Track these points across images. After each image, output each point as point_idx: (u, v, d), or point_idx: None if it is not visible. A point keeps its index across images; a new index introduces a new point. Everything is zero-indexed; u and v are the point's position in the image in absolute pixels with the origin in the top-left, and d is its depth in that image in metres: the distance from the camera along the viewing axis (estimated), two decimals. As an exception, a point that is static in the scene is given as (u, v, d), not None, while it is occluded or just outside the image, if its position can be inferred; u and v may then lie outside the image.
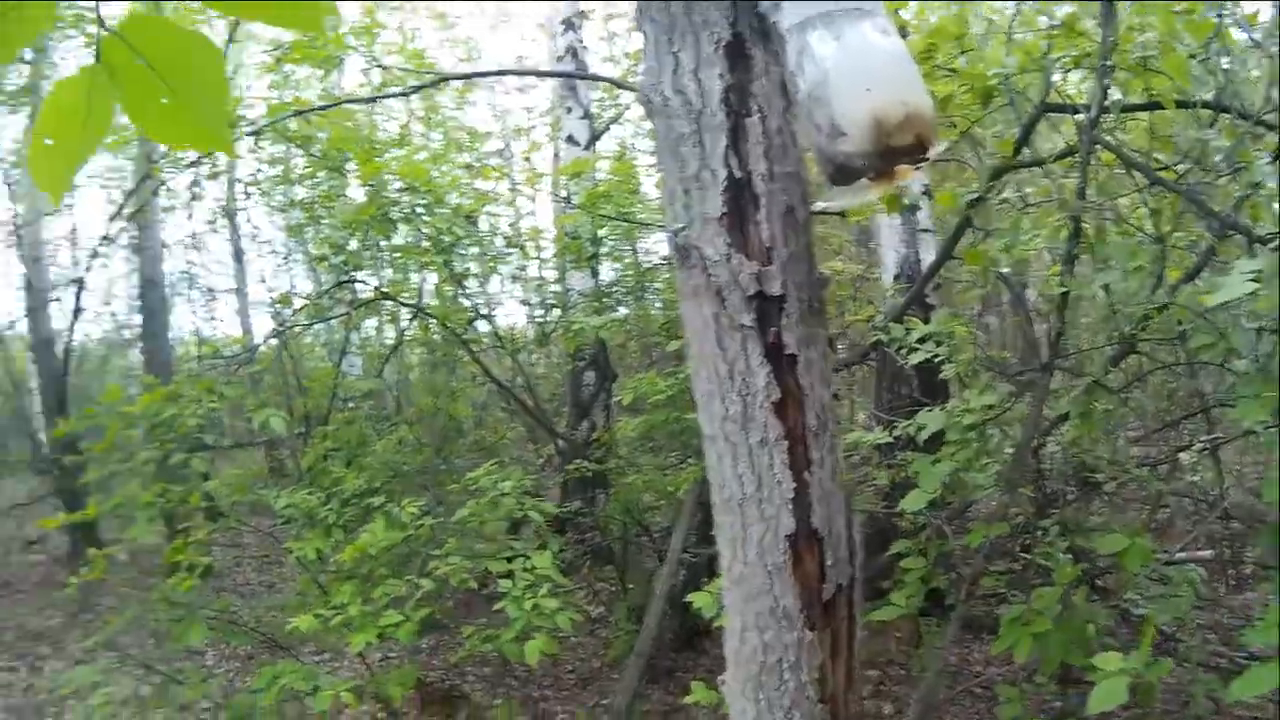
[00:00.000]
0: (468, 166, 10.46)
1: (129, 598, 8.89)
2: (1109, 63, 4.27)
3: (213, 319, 14.73)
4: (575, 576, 8.85)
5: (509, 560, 5.62)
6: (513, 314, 11.54)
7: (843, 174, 1.44)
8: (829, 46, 1.43)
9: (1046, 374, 4.52)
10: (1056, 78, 5.04)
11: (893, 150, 1.36)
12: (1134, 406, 6.96)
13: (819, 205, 2.11)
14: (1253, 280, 2.92)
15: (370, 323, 12.70)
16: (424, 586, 5.35)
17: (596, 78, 8.26)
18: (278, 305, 10.65)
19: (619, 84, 6.09)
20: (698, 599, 4.63)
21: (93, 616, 9.62)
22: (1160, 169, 4.54)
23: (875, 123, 1.36)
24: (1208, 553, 6.54)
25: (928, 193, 7.71)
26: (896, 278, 7.56)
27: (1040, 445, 5.37)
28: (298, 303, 10.53)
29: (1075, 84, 6.01)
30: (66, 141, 1.11)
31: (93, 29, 1.10)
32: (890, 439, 5.26)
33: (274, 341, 9.79)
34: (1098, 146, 4.49)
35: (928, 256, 7.44)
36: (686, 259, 1.91)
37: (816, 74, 1.45)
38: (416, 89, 8.13)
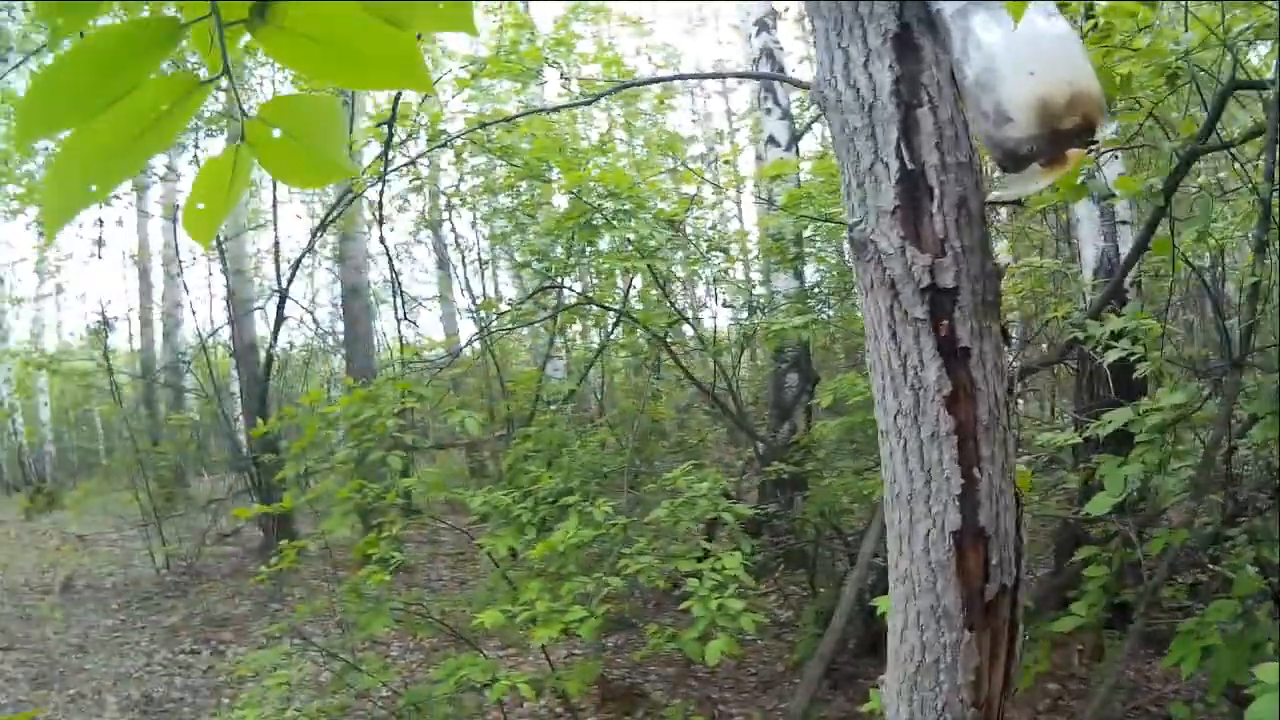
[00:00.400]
0: (671, 171, 10.58)
1: (319, 589, 9.34)
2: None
3: (415, 325, 15.19)
4: (768, 579, 8.84)
5: (699, 560, 5.66)
6: (718, 316, 11.57)
7: (1012, 160, 1.42)
8: (993, 32, 1.41)
9: (1237, 371, 4.28)
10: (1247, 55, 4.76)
11: (1061, 133, 1.33)
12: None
13: (993, 196, 2.06)
14: None
15: (575, 327, 12.98)
16: (612, 584, 5.44)
17: (774, 77, 8.21)
18: (481, 310, 10.95)
19: (796, 83, 6.04)
20: (882, 602, 4.55)
21: (280, 606, 10.14)
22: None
23: (1041, 105, 1.34)
24: None
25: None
26: (1096, 272, 7.25)
27: (1233, 449, 5.09)
28: (502, 308, 10.89)
29: (1264, 58, 5.66)
30: (214, 203, 1.26)
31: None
32: (1080, 439, 5.09)
33: (476, 345, 10.04)
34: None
35: (1128, 250, 7.14)
36: (863, 253, 1.91)
37: (981, 60, 1.44)
38: (598, 97, 8.26)
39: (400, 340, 12.50)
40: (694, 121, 22.46)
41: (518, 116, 8.22)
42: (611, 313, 8.90)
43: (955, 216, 1.84)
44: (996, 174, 1.61)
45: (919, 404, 1.86)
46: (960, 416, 1.85)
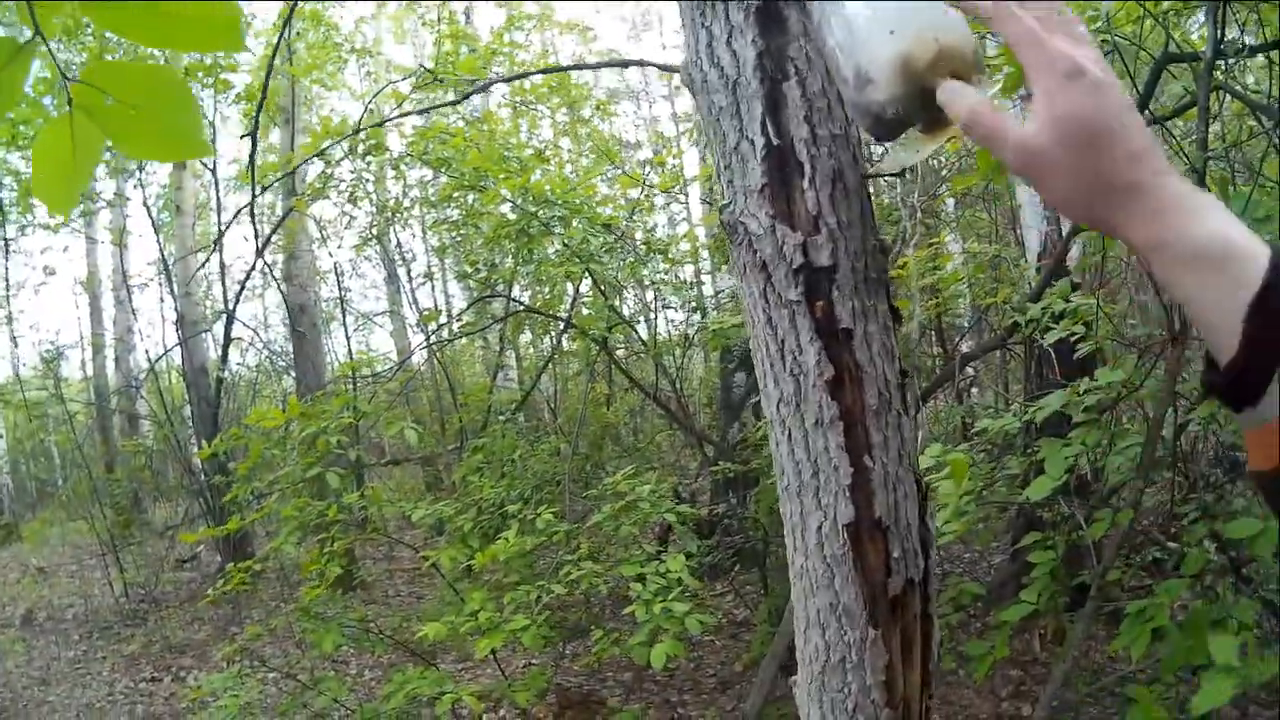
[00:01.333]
0: (611, 177, 10.51)
1: (277, 610, 9.32)
2: None
3: (364, 343, 15.10)
4: (723, 580, 8.80)
5: (643, 565, 5.59)
6: (661, 320, 11.53)
7: (880, 125, 1.33)
8: None
9: (1178, 345, 4.21)
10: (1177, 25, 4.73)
11: (930, 93, 1.24)
12: None
13: (876, 169, 1.98)
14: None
15: (525, 337, 12.95)
16: (555, 592, 5.35)
17: (640, 63, 8.16)
18: (424, 322, 10.89)
19: (665, 68, 5.95)
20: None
21: (239, 630, 10.04)
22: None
23: (903, 63, 1.25)
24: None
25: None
26: (1039, 256, 7.22)
27: (1182, 425, 5.04)
28: (444, 319, 10.81)
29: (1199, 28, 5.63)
30: (63, 171, 1.23)
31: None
32: (1021, 425, 5.03)
33: (420, 357, 9.99)
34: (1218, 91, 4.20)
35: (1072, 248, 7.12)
36: (734, 235, 1.82)
37: (841, 24, 1.35)
38: (468, 94, 8.21)
39: (350, 356, 12.41)
40: (637, 127, 22.49)
41: (399, 117, 8.17)
42: (557, 321, 8.83)
43: (829, 191, 1.75)
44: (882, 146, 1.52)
45: (800, 390, 1.76)
46: (845, 402, 1.75)
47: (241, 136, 6.84)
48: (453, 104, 8.67)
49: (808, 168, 1.75)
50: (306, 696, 6.23)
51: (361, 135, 8.70)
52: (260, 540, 11.83)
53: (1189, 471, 5.85)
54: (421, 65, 9.61)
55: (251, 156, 6.52)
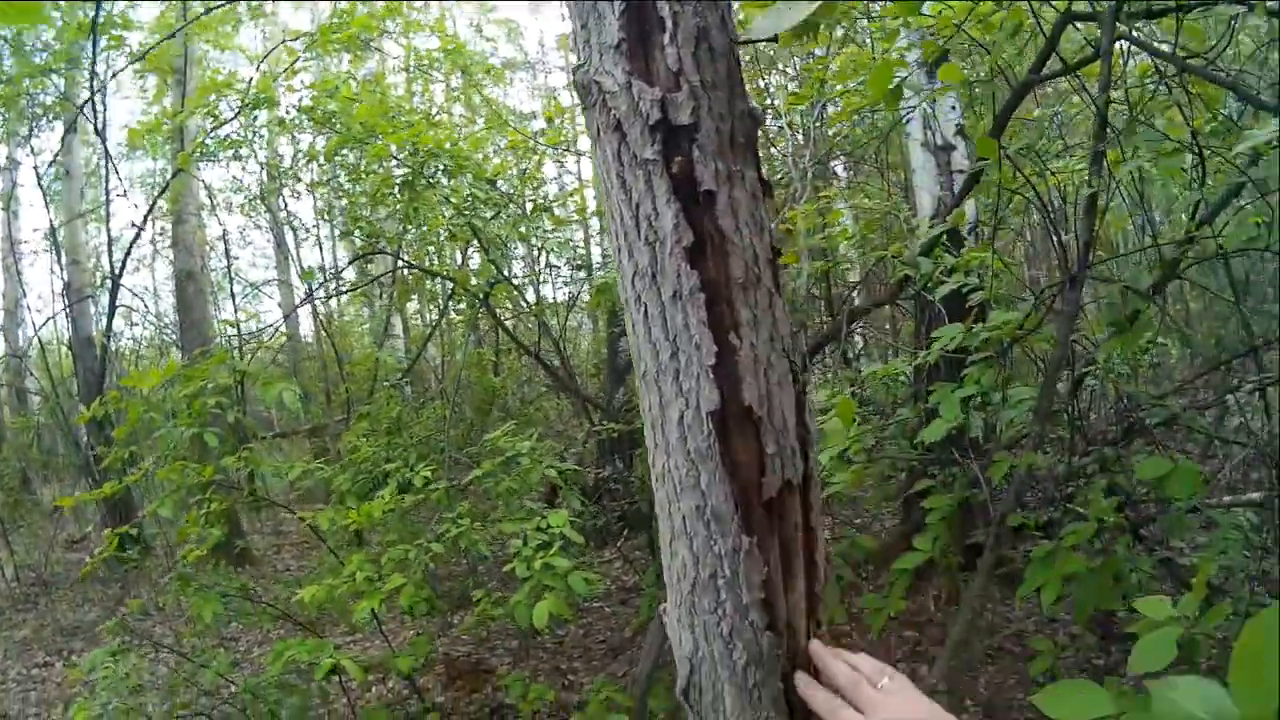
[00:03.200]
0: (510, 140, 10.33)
1: (164, 590, 9.09)
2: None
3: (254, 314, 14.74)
4: (611, 546, 8.69)
5: (524, 520, 5.43)
6: (548, 281, 11.39)
7: None
8: None
9: (1076, 287, 4.14)
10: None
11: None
12: (1174, 326, 6.60)
13: (748, 34, 1.83)
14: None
15: (413, 306, 12.74)
16: (432, 550, 5.17)
17: None
18: (305, 279, 10.63)
19: None
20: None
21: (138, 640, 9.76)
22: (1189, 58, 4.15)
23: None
24: (1258, 495, 6.13)
25: (962, 133, 7.40)
26: (932, 219, 7.20)
27: (1079, 379, 5.03)
28: (331, 277, 10.56)
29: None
30: None
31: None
32: (909, 369, 4.97)
33: (307, 327, 9.79)
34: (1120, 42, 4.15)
35: (966, 206, 7.13)
36: (587, 96, 1.66)
37: None
38: None
39: (236, 324, 12.06)
40: (533, 96, 22.39)
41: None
42: (434, 277, 8.63)
43: (692, 49, 1.60)
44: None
45: (657, 260, 1.60)
46: (708, 273, 1.59)
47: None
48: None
49: (669, 23, 1.60)
50: (192, 671, 6.08)
51: (251, 88, 8.46)
52: (155, 519, 11.57)
53: (1085, 430, 5.87)
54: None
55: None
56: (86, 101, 11.42)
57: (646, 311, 1.64)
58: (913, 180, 7.96)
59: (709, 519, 1.64)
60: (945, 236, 5.75)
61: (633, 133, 1.59)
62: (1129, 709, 1.95)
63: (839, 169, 10.48)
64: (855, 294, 7.30)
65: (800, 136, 7.69)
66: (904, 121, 7.49)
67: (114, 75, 13.20)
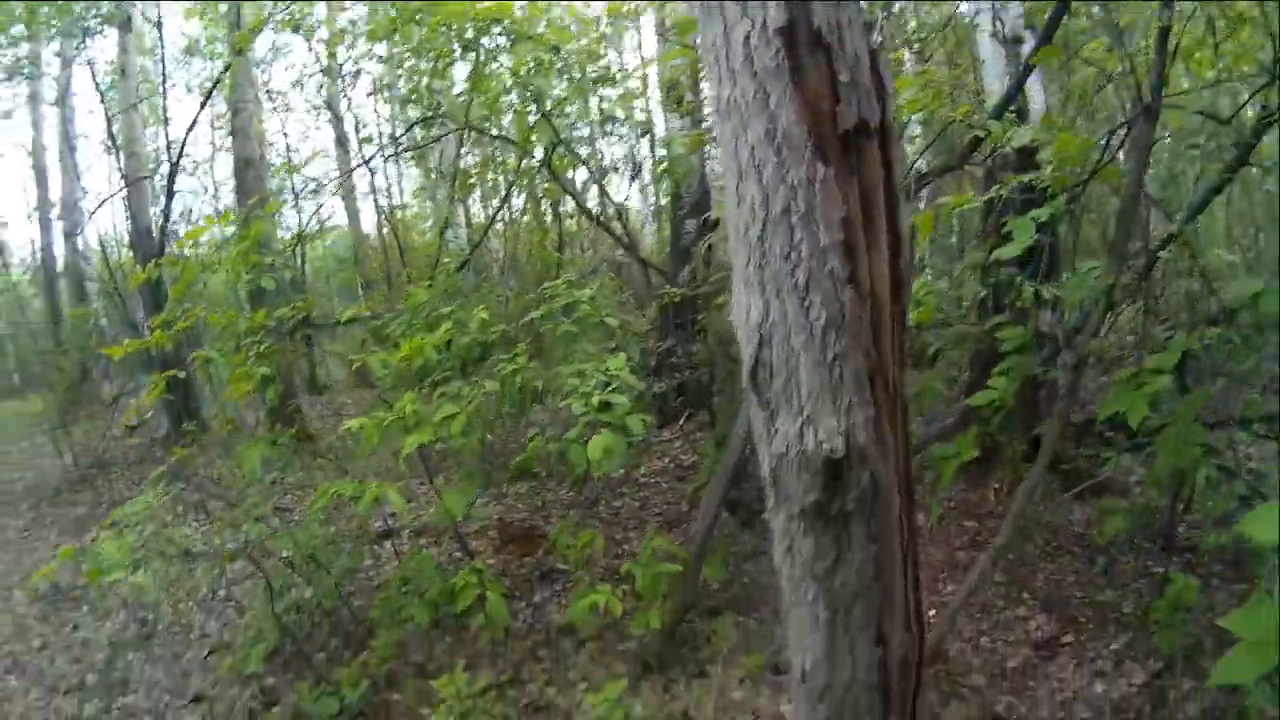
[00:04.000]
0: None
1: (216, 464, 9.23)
2: None
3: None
4: (671, 427, 8.60)
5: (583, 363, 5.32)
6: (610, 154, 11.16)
7: None
8: None
9: (1151, 118, 3.92)
10: None
11: None
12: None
13: None
14: None
15: (476, 195, 12.67)
16: (487, 388, 5.05)
17: None
18: (363, 145, 10.58)
19: None
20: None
21: (185, 486, 9.82)
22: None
23: None
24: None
25: (1031, 26, 7.16)
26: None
27: (1154, 255, 4.83)
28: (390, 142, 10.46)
29: None
30: None
31: None
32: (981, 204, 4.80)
33: (351, 180, 9.73)
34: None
35: (1033, 93, 7.02)
36: None
37: None
38: None
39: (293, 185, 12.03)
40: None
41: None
42: (495, 142, 8.46)
43: None
44: None
45: None
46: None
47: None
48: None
49: None
50: (235, 517, 6.03)
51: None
52: (210, 405, 11.77)
53: (1157, 312, 5.64)
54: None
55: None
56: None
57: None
58: (981, 72, 7.70)
59: (779, 143, 1.45)
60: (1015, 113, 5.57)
61: None
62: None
63: (906, 62, 10.18)
64: (922, 157, 7.04)
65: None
66: (974, 15, 7.29)
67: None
